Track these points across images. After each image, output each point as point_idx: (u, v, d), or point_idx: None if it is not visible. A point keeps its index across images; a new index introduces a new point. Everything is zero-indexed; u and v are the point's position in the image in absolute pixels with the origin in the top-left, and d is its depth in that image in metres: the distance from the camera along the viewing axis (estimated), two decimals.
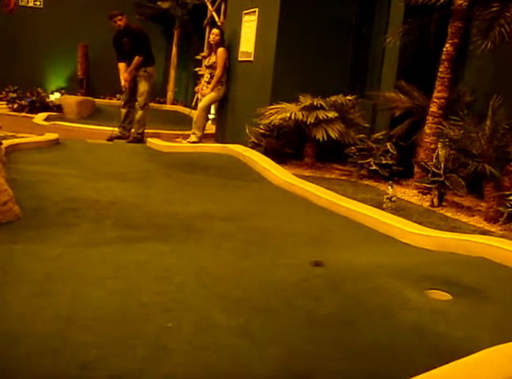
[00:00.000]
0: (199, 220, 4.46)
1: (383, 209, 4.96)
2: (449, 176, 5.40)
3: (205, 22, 12.47)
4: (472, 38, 5.96)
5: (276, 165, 6.61)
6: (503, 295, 3.25)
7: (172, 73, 14.27)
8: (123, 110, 9.33)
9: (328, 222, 4.74)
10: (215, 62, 9.20)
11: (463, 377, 1.81)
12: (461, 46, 6.09)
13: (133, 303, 2.80)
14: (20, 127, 8.84)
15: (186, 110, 12.74)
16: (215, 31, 9.44)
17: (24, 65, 13.48)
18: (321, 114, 6.75)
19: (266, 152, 7.14)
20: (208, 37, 10.18)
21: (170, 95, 14.35)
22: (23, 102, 11.72)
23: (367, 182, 6.57)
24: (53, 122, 10.46)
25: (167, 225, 4.28)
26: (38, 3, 14.15)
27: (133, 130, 9.19)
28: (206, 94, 9.28)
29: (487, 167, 5.00)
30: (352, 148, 6.89)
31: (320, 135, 6.76)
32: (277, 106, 7.17)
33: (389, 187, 5.25)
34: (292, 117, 6.85)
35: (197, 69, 12.32)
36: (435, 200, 5.51)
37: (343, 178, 6.78)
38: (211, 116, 10.14)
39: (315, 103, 6.84)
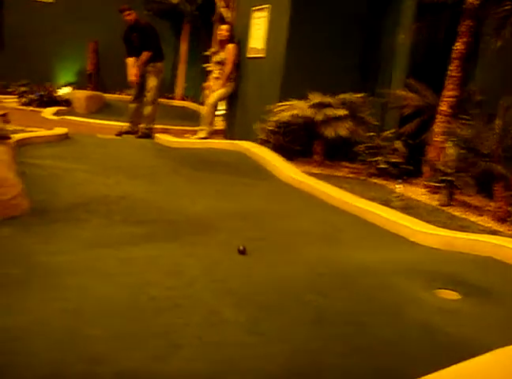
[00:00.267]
0: (208, 217, 4.48)
1: (392, 207, 4.95)
2: (459, 175, 5.38)
3: (214, 18, 12.46)
4: (482, 37, 5.94)
5: (285, 162, 6.61)
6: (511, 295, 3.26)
7: (181, 68, 14.27)
8: (132, 106, 9.35)
9: (337, 220, 4.75)
10: (225, 58, 9.18)
11: (474, 377, 1.81)
12: (471, 44, 6.08)
13: (143, 297, 2.81)
14: (29, 121, 8.84)
15: (194, 106, 12.73)
16: (223, 27, 9.42)
17: (35, 60, 13.51)
18: (331, 112, 6.74)
19: (275, 149, 7.13)
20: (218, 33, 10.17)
21: (178, 90, 14.36)
22: (31, 96, 11.75)
23: (375, 180, 6.55)
24: (62, 117, 10.47)
25: (176, 221, 4.30)
26: None
27: (142, 125, 9.20)
28: (215, 90, 9.28)
29: (497, 167, 4.99)
30: (361, 146, 6.88)
31: (329, 133, 6.74)
32: (286, 103, 7.16)
33: (398, 186, 5.24)
34: (301, 114, 6.84)
35: (205, 65, 12.31)
36: (444, 199, 5.49)
37: (351, 175, 6.76)
38: (218, 112, 10.11)
39: (324, 101, 6.84)
